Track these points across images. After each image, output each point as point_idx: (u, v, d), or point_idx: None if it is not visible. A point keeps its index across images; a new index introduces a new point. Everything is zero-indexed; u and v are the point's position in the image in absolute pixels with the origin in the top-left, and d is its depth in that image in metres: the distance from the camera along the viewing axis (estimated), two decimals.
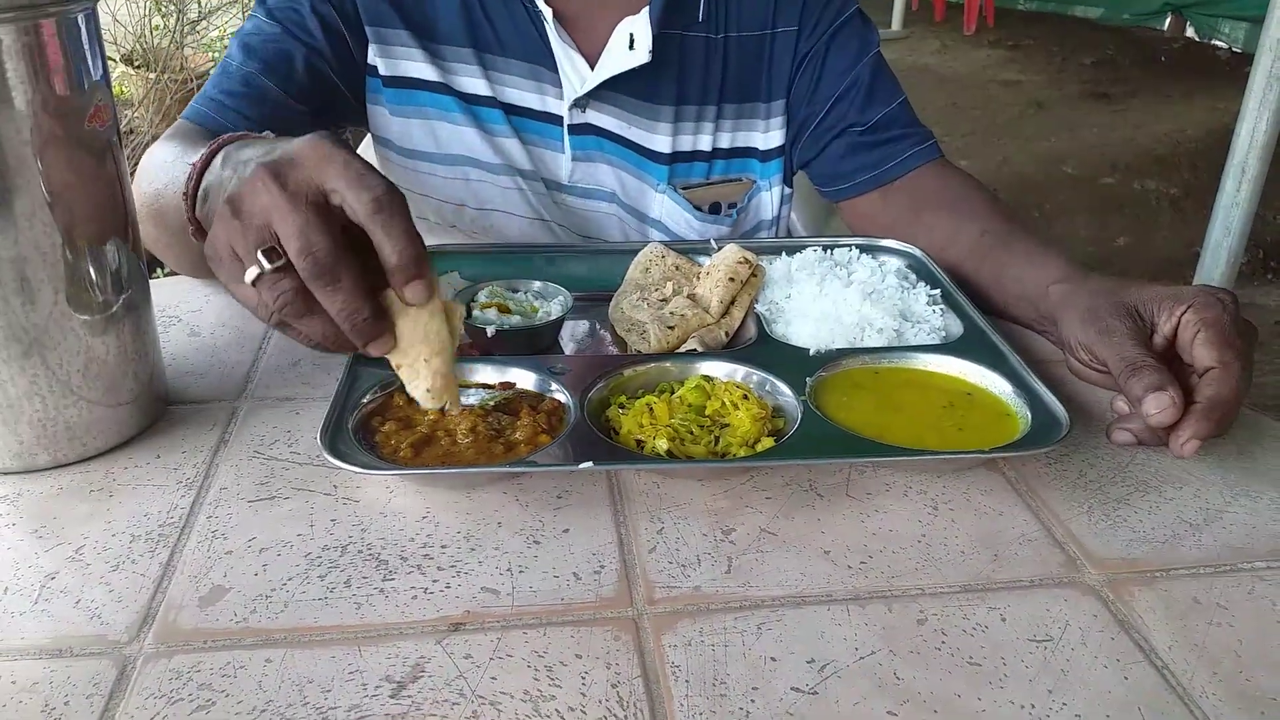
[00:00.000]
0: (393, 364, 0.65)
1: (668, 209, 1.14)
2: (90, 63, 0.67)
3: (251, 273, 0.60)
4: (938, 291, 0.90)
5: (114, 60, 3.72)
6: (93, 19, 0.68)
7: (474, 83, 1.09)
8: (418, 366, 0.64)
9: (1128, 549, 0.65)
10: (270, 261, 0.60)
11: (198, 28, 3.90)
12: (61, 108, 0.65)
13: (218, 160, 0.71)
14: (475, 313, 0.87)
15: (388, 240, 0.60)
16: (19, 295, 0.65)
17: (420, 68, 1.08)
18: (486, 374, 0.78)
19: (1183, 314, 0.74)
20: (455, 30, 1.07)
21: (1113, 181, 4.39)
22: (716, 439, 0.70)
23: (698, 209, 1.15)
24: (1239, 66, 6.16)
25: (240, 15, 3.97)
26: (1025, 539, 0.65)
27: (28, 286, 0.66)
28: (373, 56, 1.08)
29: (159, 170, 0.88)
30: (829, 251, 0.96)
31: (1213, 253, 2.45)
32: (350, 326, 0.61)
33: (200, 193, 0.71)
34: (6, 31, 0.61)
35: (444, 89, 1.09)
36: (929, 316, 0.86)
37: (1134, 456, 0.74)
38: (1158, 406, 0.69)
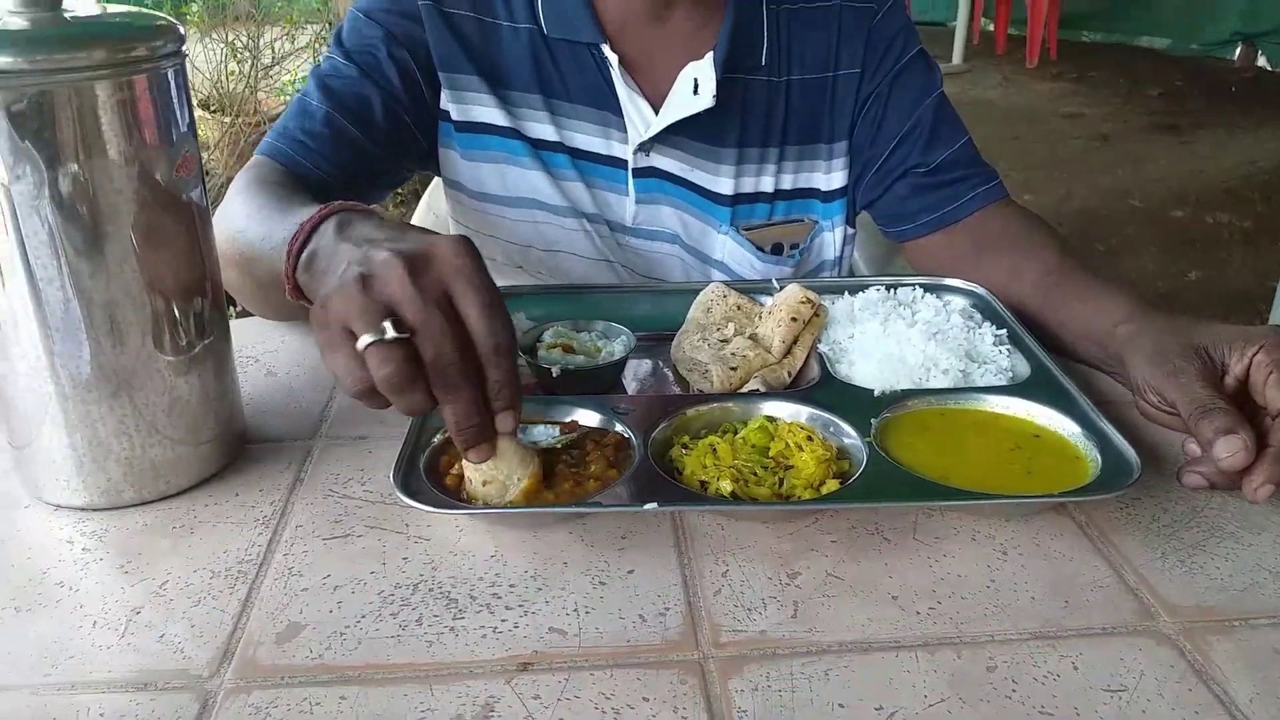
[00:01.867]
0: (477, 476, 0.68)
1: (730, 250, 1.15)
2: (178, 115, 0.70)
3: (365, 340, 0.60)
4: (1004, 331, 0.89)
5: None
6: (181, 73, 0.71)
7: (541, 128, 1.11)
8: (508, 484, 0.68)
9: (1204, 596, 0.63)
10: (397, 331, 0.60)
11: (270, 73, 4.03)
12: (151, 158, 0.68)
13: (329, 226, 0.71)
14: (540, 353, 0.88)
15: (498, 373, 0.63)
16: (109, 338, 0.68)
17: (491, 113, 1.11)
18: (551, 411, 0.79)
19: (1254, 355, 0.73)
20: (524, 77, 1.10)
21: (1182, 215, 4.30)
22: (781, 481, 0.71)
23: (760, 250, 1.15)
24: None
25: (312, 60, 4.10)
26: (1097, 585, 0.64)
27: (117, 329, 0.68)
28: (445, 102, 1.11)
29: (247, 218, 0.87)
30: (892, 291, 0.96)
31: None
32: (459, 430, 0.63)
33: (305, 256, 0.71)
34: (102, 88, 0.64)
35: (513, 134, 1.11)
36: (995, 357, 0.85)
37: (1208, 501, 0.73)
38: (1228, 450, 0.68)
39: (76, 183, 0.65)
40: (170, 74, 0.69)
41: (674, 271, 1.18)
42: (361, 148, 1.05)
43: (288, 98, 4.13)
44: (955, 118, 1.14)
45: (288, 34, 4.17)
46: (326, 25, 4.38)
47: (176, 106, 0.70)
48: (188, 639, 0.60)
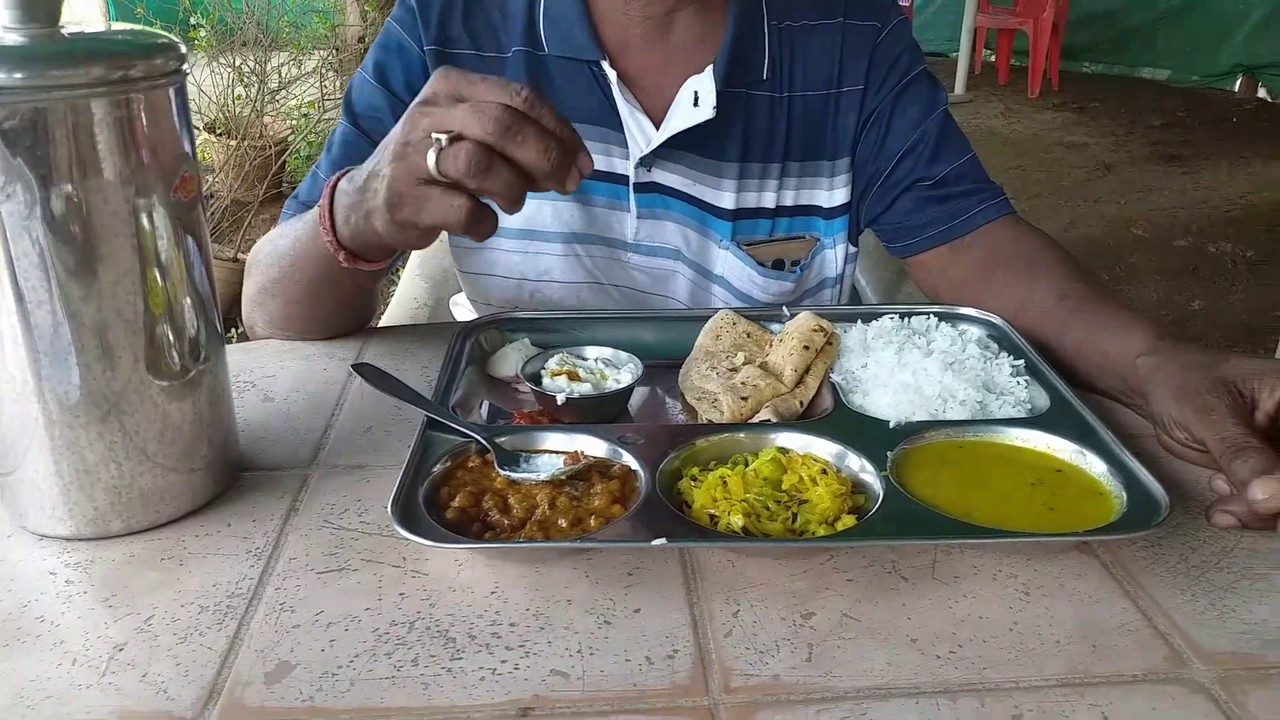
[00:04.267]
0: None
1: (731, 265, 1.13)
2: (178, 135, 0.68)
3: (431, 158, 0.70)
4: (1021, 362, 0.87)
5: (197, 129, 3.86)
6: (181, 92, 0.69)
7: None
8: None
9: (1237, 642, 0.61)
10: (447, 140, 0.69)
11: (277, 97, 4.03)
12: (148, 178, 0.65)
13: (342, 181, 0.84)
14: (545, 381, 0.86)
15: (547, 112, 0.70)
16: (100, 361, 0.66)
17: None
18: (556, 441, 0.76)
19: None
20: None
21: (1185, 244, 4.29)
22: (794, 516, 0.68)
23: (761, 265, 1.14)
24: None
25: (318, 85, 4.11)
26: (1125, 629, 0.62)
27: (109, 352, 0.66)
28: None
29: (273, 252, 0.99)
30: (906, 319, 0.93)
31: None
32: (547, 158, 0.69)
33: (339, 214, 0.84)
34: (99, 106, 0.62)
35: None
36: (1013, 388, 0.83)
37: (1238, 540, 0.70)
38: (1266, 492, 0.65)
39: (70, 203, 0.63)
40: (170, 93, 0.67)
41: (675, 288, 1.16)
42: None
43: (294, 122, 4.13)
44: (960, 135, 1.12)
45: (295, 59, 4.17)
46: (334, 51, 4.39)
47: (176, 126, 0.68)
48: (172, 679, 0.57)
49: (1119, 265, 4.07)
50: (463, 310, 1.38)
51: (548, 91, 1.08)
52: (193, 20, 3.99)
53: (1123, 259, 4.14)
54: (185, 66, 0.68)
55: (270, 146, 3.83)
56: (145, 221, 0.66)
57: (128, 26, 0.71)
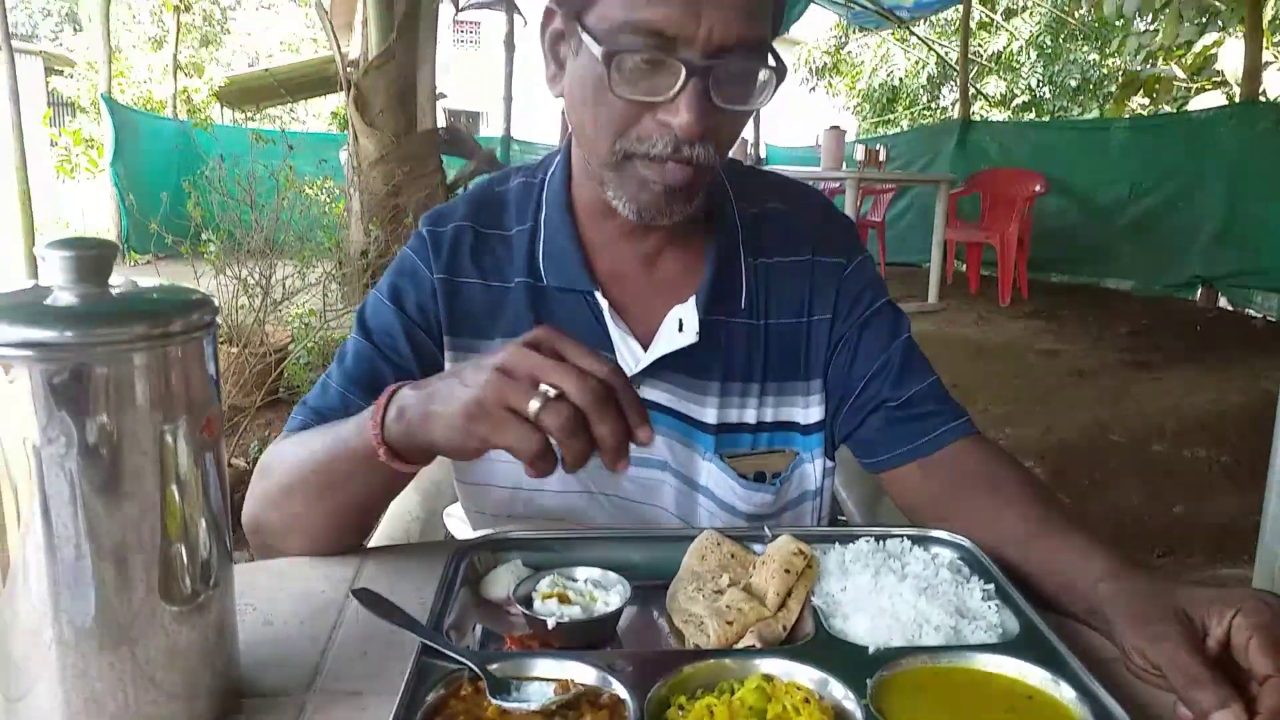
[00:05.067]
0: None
1: (714, 476, 1.20)
2: (207, 380, 0.74)
3: (535, 405, 0.78)
4: (991, 586, 0.91)
5: None
6: (212, 342, 0.76)
7: None
8: None
9: None
10: (551, 393, 0.78)
11: (280, 307, 4.19)
12: (179, 420, 0.71)
13: (404, 388, 0.91)
14: (537, 603, 0.89)
15: (629, 394, 0.79)
16: (117, 592, 0.69)
17: None
18: (547, 668, 0.79)
19: (1233, 618, 0.75)
20: (523, 325, 1.18)
21: (1161, 449, 4.39)
22: None
23: (743, 477, 1.20)
24: (1276, 336, 6.30)
25: (320, 296, 4.27)
26: None
27: (125, 581, 0.69)
28: (446, 362, 1.19)
29: (301, 452, 1.04)
30: (881, 542, 0.98)
31: (1273, 522, 2.42)
32: (616, 443, 0.78)
33: (392, 413, 0.90)
34: (139, 358, 0.68)
35: None
36: (985, 613, 0.87)
37: None
38: None
39: (105, 444, 0.68)
40: (203, 343, 0.74)
41: (662, 497, 1.21)
42: None
43: (295, 329, 4.27)
44: (924, 359, 1.22)
45: (299, 271, 4.36)
46: (337, 264, 4.59)
47: (206, 370, 0.74)
48: None
49: (1097, 470, 4.15)
50: (456, 522, 1.42)
51: (547, 318, 1.18)
52: (204, 235, 4.20)
53: (1101, 464, 4.22)
54: (218, 319, 0.76)
55: (270, 354, 3.96)
56: (172, 460, 0.71)
57: (166, 284, 0.78)
